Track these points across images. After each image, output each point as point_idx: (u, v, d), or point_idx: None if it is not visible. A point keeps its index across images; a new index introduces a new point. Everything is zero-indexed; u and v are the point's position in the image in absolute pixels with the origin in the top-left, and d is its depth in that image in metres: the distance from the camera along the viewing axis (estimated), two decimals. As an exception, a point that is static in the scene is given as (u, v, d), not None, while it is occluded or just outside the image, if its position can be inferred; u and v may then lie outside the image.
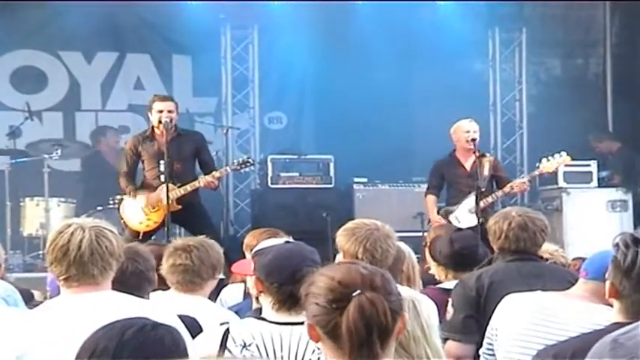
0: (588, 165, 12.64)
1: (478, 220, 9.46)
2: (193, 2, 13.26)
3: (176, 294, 5.25)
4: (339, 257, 5.09)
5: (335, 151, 12.93)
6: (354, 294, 2.75)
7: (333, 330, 2.76)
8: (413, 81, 13.86)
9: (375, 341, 2.74)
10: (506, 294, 4.61)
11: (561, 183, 12.48)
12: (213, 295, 6.68)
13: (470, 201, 10.09)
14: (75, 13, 12.29)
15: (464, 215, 10.32)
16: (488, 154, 10.63)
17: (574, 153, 10.86)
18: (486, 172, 10.18)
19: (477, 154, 10.28)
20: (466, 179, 10.43)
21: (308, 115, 14.26)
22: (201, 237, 5.59)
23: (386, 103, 13.23)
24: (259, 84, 14.04)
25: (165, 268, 5.26)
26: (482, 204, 9.79)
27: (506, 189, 10.34)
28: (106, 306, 3.73)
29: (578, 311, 4.28)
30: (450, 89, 13.25)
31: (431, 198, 10.77)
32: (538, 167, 10.62)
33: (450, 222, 10.20)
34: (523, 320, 4.41)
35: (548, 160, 10.48)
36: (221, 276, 5.65)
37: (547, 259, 5.69)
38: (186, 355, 2.51)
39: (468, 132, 10.41)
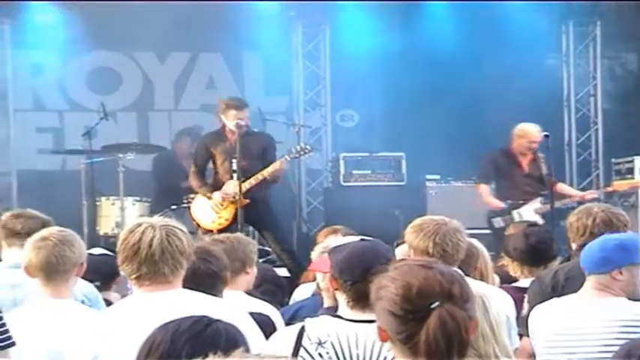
0: (666, 160, 12.43)
1: (552, 218, 9.48)
2: (265, 2, 13.29)
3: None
4: (401, 250, 5.02)
5: (406, 149, 12.88)
6: (434, 306, 2.68)
7: (407, 339, 2.71)
8: (485, 77, 13.74)
9: (454, 354, 2.68)
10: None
11: (638, 178, 12.29)
12: (287, 295, 6.71)
13: (537, 201, 10.18)
14: (148, 14, 12.39)
15: (528, 214, 10.30)
16: (540, 155, 10.60)
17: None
18: (544, 171, 10.22)
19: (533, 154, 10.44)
20: (523, 177, 10.47)
21: (379, 113, 14.21)
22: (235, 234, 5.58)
23: (457, 99, 13.12)
24: (331, 82, 14.05)
25: None
26: (548, 207, 9.93)
27: (577, 197, 10.44)
28: (178, 304, 3.74)
29: (596, 309, 4.30)
30: (522, 85, 13.12)
31: (483, 186, 10.81)
32: (609, 185, 10.72)
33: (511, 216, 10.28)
34: (547, 332, 4.43)
35: (620, 179, 10.60)
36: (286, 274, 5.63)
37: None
38: (246, 351, 2.50)
39: (534, 142, 10.42)
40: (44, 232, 4.84)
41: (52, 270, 4.68)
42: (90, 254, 5.13)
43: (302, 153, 10.25)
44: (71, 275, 4.74)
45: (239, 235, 5.49)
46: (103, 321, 4.02)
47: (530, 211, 10.34)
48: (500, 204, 10.56)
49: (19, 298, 4.99)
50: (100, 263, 5.72)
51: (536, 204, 10.34)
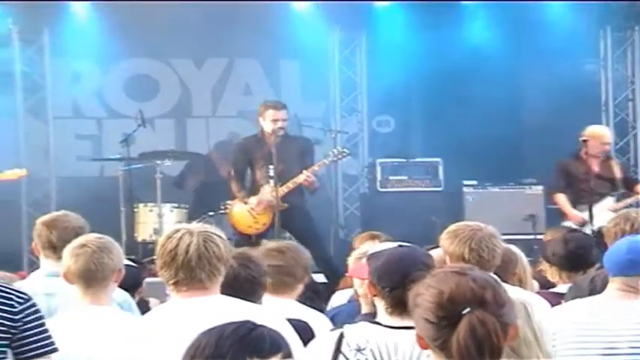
0: None
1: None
2: (302, 8, 13.32)
3: (266, 297, 5.24)
4: (437, 253, 5.00)
5: (443, 154, 12.85)
6: (464, 312, 2.68)
7: (443, 345, 2.71)
8: (523, 82, 13.69)
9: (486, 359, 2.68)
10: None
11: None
12: (324, 301, 6.70)
13: (608, 201, 10.13)
14: (185, 21, 12.46)
15: (602, 214, 10.22)
16: (613, 157, 10.55)
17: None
18: (618, 174, 10.16)
19: (602, 157, 10.37)
20: (595, 180, 10.37)
21: (416, 118, 14.19)
22: (290, 241, 5.60)
23: (494, 103, 13.08)
24: (367, 87, 14.05)
25: None
26: (622, 204, 9.85)
27: None
28: (215, 310, 3.75)
29: (623, 310, 4.28)
30: (560, 90, 13.06)
31: (561, 196, 10.65)
32: None
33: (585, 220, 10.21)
34: (571, 333, 4.40)
35: None
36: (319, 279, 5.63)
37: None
38: (289, 356, 2.52)
39: (607, 144, 10.39)
40: (83, 239, 4.86)
41: (90, 277, 4.71)
42: None
43: (340, 157, 10.26)
44: (109, 282, 4.77)
45: (293, 243, 5.51)
46: (141, 327, 4.05)
47: (603, 210, 10.24)
48: (580, 216, 10.43)
49: (54, 306, 5.00)
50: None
51: (609, 202, 10.27)
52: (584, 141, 10.35)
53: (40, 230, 5.55)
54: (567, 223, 10.33)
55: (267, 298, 5.17)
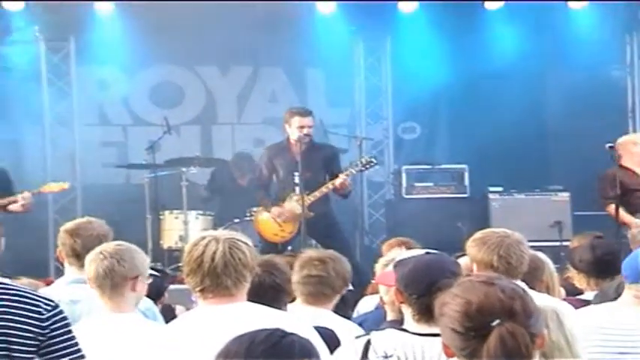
0: None
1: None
2: (325, 8, 13.29)
3: (303, 306, 5.23)
4: (463, 261, 4.98)
5: (469, 160, 12.82)
6: (494, 324, 2.67)
7: (471, 354, 2.70)
8: (549, 87, 13.64)
9: None
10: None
11: None
12: (350, 308, 6.68)
13: None
14: (210, 28, 12.49)
15: None
16: None
17: None
18: None
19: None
20: None
21: (441, 125, 14.16)
22: (331, 250, 5.58)
23: (520, 109, 13.04)
24: (392, 94, 14.04)
25: (296, 279, 5.23)
26: None
27: None
28: (241, 317, 3.76)
29: (635, 319, 4.25)
30: (586, 96, 13.00)
31: (616, 206, 10.49)
32: None
33: None
34: (588, 339, 4.38)
35: None
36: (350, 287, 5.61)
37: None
38: None
39: None
40: (101, 246, 4.91)
41: (102, 283, 4.76)
42: None
43: (368, 166, 10.22)
44: (125, 289, 4.77)
45: (336, 254, 5.49)
46: (165, 334, 4.05)
47: None
48: (631, 218, 10.31)
49: (78, 313, 5.01)
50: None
51: None
52: (615, 149, 10.24)
53: (63, 238, 5.56)
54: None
55: (302, 307, 5.17)
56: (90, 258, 4.81)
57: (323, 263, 5.25)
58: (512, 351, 2.65)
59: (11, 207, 9.43)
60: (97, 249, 4.86)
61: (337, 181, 9.82)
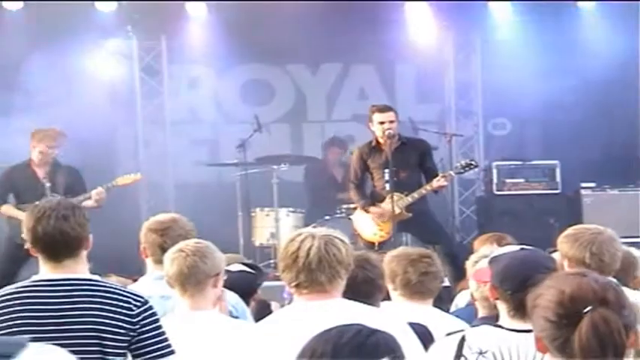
0: None
1: None
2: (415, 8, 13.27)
3: (404, 302, 5.23)
4: (555, 257, 4.93)
5: (560, 156, 12.69)
6: (586, 310, 2.65)
7: (563, 345, 2.68)
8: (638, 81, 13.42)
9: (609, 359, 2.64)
10: None
11: None
12: (446, 304, 6.66)
13: None
14: (301, 26, 12.53)
15: None
16: None
17: None
18: None
19: None
20: None
21: (532, 120, 14.03)
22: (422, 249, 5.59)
23: (611, 104, 12.86)
24: (482, 89, 13.95)
25: (407, 277, 5.21)
26: None
27: None
28: (335, 313, 3.77)
29: None
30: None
31: None
32: None
33: None
34: None
35: None
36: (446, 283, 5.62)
37: None
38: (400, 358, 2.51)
39: None
40: (181, 244, 4.89)
41: (184, 281, 4.74)
42: (227, 271, 5.13)
43: (468, 169, 10.19)
44: (206, 286, 4.76)
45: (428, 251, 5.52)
46: (258, 331, 4.09)
47: None
48: None
49: (169, 309, 5.01)
50: (239, 280, 5.67)
51: None
52: None
53: (149, 236, 5.57)
54: None
55: (403, 302, 5.17)
56: (171, 256, 4.79)
57: (431, 259, 5.26)
58: (604, 337, 2.62)
59: (85, 203, 9.49)
60: (177, 247, 4.85)
61: (435, 184, 9.81)
